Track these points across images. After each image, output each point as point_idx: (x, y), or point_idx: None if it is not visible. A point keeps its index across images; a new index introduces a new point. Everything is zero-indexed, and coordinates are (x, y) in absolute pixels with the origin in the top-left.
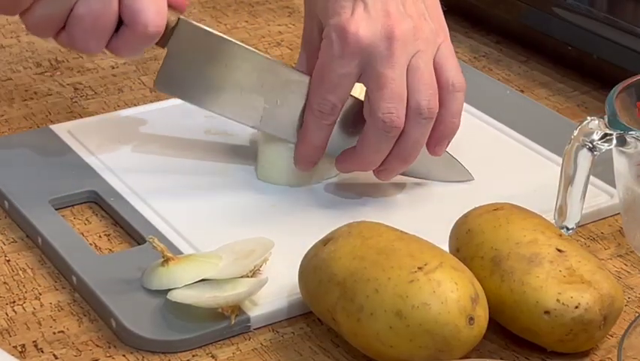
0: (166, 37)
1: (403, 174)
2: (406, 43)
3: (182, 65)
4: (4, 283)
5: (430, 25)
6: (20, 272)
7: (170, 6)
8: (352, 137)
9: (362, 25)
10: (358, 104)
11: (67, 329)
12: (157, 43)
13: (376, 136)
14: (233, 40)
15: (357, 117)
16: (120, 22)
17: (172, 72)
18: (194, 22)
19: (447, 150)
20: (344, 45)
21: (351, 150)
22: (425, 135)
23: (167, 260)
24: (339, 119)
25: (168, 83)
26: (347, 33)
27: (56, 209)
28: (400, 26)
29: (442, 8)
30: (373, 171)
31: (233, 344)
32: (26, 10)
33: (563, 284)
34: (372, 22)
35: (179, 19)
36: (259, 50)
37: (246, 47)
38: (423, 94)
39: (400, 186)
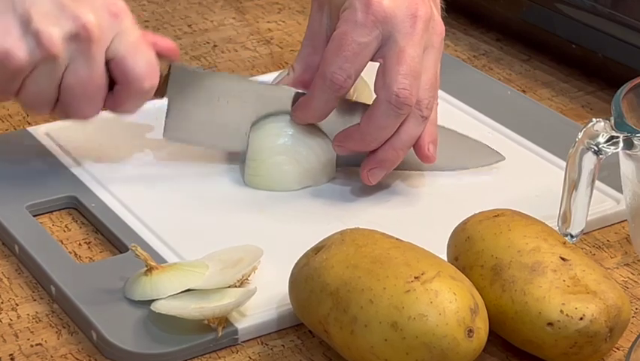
0: (162, 87)
1: (429, 168)
2: (426, 26)
3: (185, 110)
4: None
5: (443, 29)
6: None
7: (159, 55)
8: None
9: None
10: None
11: (46, 341)
12: (155, 95)
13: (386, 111)
14: (227, 74)
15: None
16: (114, 82)
17: (177, 119)
18: (185, 66)
19: (470, 136)
20: (367, 13)
21: (353, 128)
22: (418, 134)
23: (150, 269)
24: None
25: (176, 131)
26: (371, 2)
27: (34, 215)
28: (424, 8)
29: (441, 5)
30: (363, 172)
31: (220, 358)
32: (18, 92)
33: (566, 294)
34: None
35: (170, 66)
36: (247, 48)
37: (240, 77)
38: (426, 92)
39: (396, 192)
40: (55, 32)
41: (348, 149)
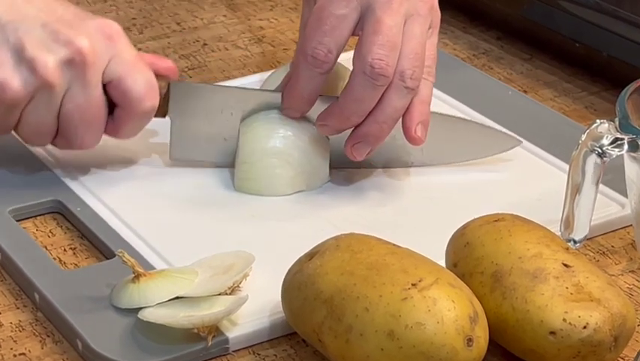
0: (162, 106)
1: (440, 163)
2: None
3: (189, 127)
4: None
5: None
6: None
7: (157, 75)
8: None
9: None
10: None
11: (29, 351)
12: (156, 115)
13: (362, 82)
14: (228, 87)
15: None
16: (113, 106)
17: (182, 138)
18: (185, 82)
19: (477, 121)
20: None
21: (332, 104)
22: (403, 107)
23: (137, 276)
24: None
25: (183, 151)
26: None
27: (17, 220)
28: None
29: None
30: (347, 147)
31: None
32: (17, 125)
33: (569, 302)
34: None
35: (169, 84)
36: (238, 46)
37: (241, 88)
38: (410, 62)
39: (393, 196)
40: (50, 59)
41: (331, 127)
